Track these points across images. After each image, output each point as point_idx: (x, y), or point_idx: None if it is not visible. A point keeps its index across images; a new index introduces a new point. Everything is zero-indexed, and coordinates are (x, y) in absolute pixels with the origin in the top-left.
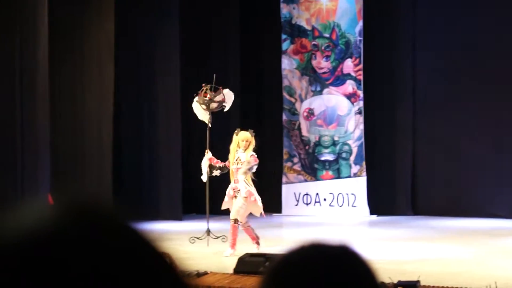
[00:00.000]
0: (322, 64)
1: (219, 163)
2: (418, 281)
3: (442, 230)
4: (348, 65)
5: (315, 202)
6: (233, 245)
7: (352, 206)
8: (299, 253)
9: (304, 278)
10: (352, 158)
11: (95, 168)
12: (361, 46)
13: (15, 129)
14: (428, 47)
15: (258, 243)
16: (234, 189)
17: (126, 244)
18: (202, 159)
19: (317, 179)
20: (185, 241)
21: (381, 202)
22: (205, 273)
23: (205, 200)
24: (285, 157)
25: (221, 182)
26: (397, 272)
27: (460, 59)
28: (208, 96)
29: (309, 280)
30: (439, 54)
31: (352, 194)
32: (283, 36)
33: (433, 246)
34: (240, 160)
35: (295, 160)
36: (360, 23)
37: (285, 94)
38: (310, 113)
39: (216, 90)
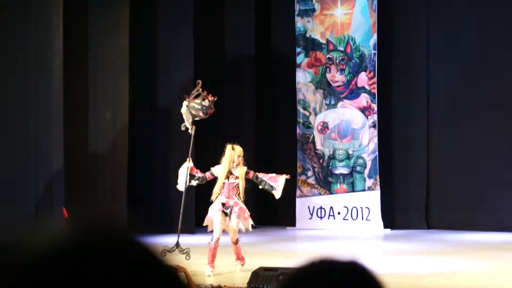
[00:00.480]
0: (337, 77)
1: (199, 173)
2: None
3: (456, 244)
4: (363, 79)
5: (329, 215)
6: (240, 258)
7: (366, 219)
8: (309, 269)
9: None
10: (366, 171)
11: (109, 182)
12: (376, 59)
13: (29, 141)
14: (442, 60)
15: (211, 265)
16: (224, 204)
17: (136, 259)
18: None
19: (331, 193)
20: (198, 254)
21: (395, 216)
22: (219, 287)
23: (180, 212)
24: (299, 170)
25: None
26: (411, 286)
27: (475, 72)
28: (208, 103)
29: None
30: (453, 67)
31: (366, 207)
32: (298, 50)
33: (446, 260)
34: (233, 175)
35: (309, 173)
36: (375, 37)
37: (299, 108)
38: (324, 126)
39: (199, 96)
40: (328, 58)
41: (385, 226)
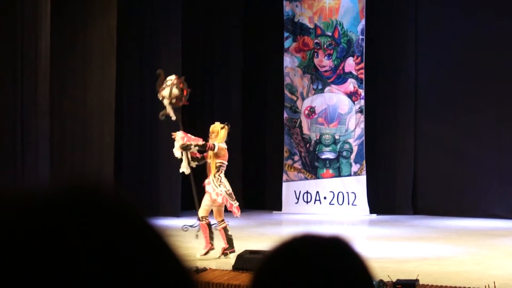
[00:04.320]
0: (324, 62)
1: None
2: (416, 280)
3: (441, 230)
4: (350, 64)
5: (315, 200)
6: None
7: (352, 204)
8: (291, 244)
9: (296, 267)
10: (352, 156)
11: (96, 165)
12: (363, 44)
13: (16, 124)
14: (430, 46)
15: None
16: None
17: (128, 217)
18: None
19: (317, 177)
20: (185, 237)
21: (381, 201)
22: (204, 270)
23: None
24: (285, 155)
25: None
26: (396, 271)
27: (462, 58)
28: (178, 92)
29: (301, 269)
30: (441, 53)
31: (353, 192)
32: (286, 34)
33: (432, 245)
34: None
35: (296, 158)
36: (363, 22)
37: (286, 92)
38: (311, 111)
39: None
40: (316, 43)
41: (371, 211)
